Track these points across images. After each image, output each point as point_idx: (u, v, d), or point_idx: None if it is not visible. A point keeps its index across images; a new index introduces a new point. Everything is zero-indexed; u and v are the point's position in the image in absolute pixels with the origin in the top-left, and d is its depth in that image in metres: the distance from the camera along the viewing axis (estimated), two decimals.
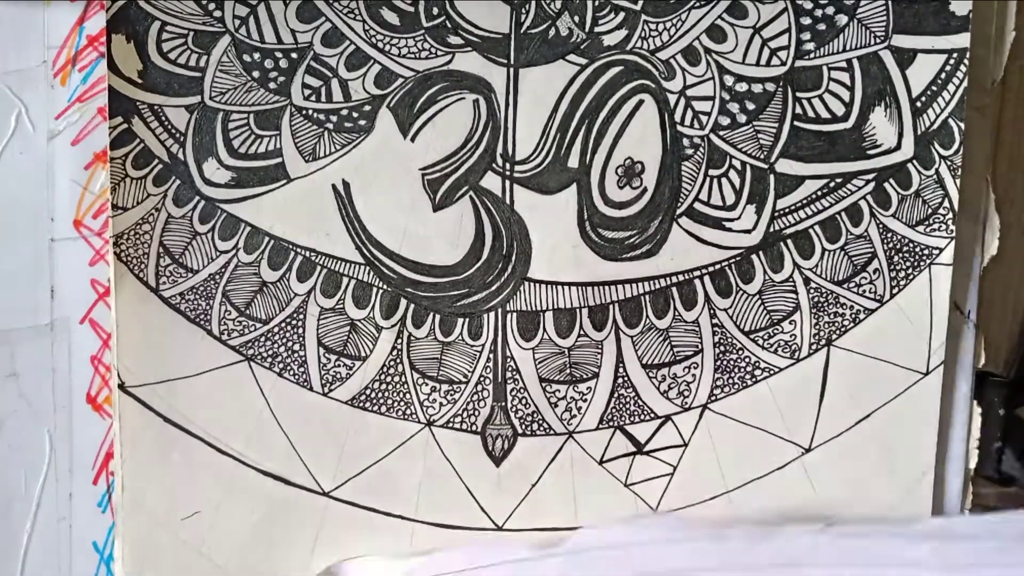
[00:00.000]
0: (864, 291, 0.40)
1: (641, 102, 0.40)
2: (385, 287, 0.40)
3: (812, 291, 0.40)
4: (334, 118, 0.40)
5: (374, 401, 0.41)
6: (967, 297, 0.41)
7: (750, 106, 0.40)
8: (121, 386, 0.40)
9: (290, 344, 0.40)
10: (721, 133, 0.40)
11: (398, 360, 0.41)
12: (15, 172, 0.41)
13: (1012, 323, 0.45)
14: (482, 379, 0.41)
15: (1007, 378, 0.44)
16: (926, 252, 0.40)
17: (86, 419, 0.41)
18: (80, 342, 0.41)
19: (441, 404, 0.41)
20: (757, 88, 0.40)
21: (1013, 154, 0.43)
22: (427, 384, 0.41)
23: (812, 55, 0.40)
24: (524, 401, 0.41)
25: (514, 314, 0.40)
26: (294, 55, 0.40)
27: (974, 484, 0.42)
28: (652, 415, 0.41)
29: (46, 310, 0.41)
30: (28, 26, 0.40)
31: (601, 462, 0.41)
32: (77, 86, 0.40)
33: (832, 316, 0.40)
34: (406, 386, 0.41)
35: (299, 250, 0.40)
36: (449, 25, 0.40)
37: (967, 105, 0.39)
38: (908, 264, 0.40)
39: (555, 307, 0.40)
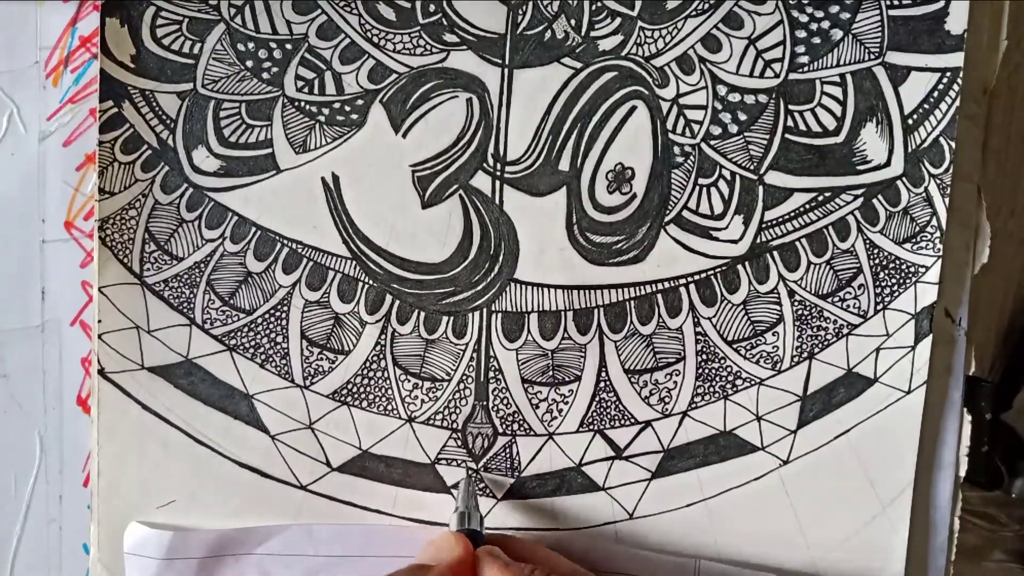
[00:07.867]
0: (848, 306, 0.40)
1: (634, 108, 0.40)
2: (371, 282, 0.40)
3: (796, 303, 0.40)
4: (326, 111, 0.40)
5: (355, 396, 0.40)
6: (958, 305, 0.41)
7: (742, 117, 0.40)
8: (101, 371, 0.40)
9: (273, 335, 0.40)
10: (712, 142, 0.40)
11: (381, 356, 0.40)
12: (6, 173, 0.40)
13: (998, 328, 0.45)
14: (465, 378, 0.41)
15: (993, 383, 0.44)
16: (912, 270, 0.40)
17: (76, 421, 0.41)
18: (71, 344, 0.41)
19: (423, 401, 0.41)
20: (750, 99, 0.40)
21: (1000, 160, 0.43)
22: (409, 380, 0.41)
23: (806, 68, 0.40)
24: (505, 401, 0.41)
25: (499, 314, 0.40)
26: (288, 46, 0.40)
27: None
28: (632, 420, 0.41)
29: (37, 311, 0.41)
30: (21, 26, 0.40)
31: (580, 465, 0.41)
32: (69, 87, 0.40)
33: (815, 329, 0.40)
34: (388, 382, 0.40)
35: (286, 242, 0.40)
36: (445, 23, 0.40)
37: (960, 114, 0.39)
38: (894, 281, 0.40)
39: (540, 309, 0.40)
